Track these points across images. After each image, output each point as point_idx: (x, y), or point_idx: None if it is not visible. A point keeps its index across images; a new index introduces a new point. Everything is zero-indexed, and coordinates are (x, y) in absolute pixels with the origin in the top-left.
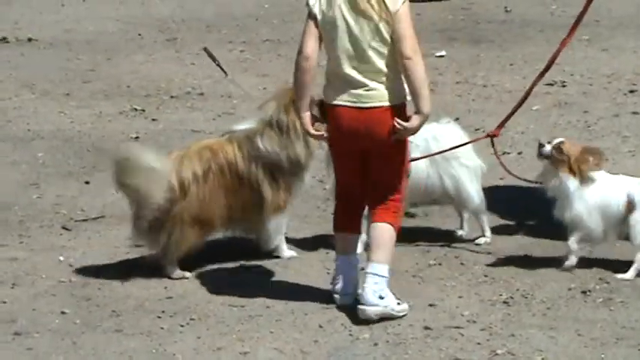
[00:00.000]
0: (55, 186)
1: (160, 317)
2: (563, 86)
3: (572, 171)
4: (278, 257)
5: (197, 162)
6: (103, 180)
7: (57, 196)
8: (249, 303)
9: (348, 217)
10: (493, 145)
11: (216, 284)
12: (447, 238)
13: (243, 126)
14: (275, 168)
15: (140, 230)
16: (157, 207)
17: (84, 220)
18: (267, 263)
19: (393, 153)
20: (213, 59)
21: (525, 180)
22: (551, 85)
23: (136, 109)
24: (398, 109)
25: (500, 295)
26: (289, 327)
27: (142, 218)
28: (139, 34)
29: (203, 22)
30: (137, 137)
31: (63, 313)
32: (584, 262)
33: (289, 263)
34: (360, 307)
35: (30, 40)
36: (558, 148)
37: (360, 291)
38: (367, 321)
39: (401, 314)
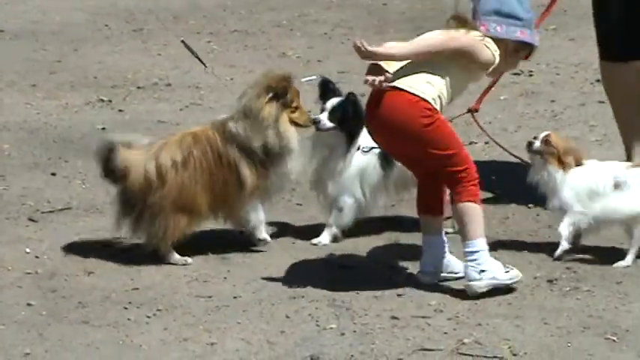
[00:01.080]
0: (21, 177)
1: (126, 308)
2: (530, 75)
3: (560, 162)
4: (250, 251)
5: (177, 149)
6: (69, 171)
7: (23, 188)
8: (216, 293)
9: (427, 200)
10: (475, 119)
11: (182, 275)
12: (415, 227)
13: (225, 115)
14: (250, 152)
15: (124, 220)
16: (135, 195)
17: (50, 212)
18: (234, 254)
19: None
20: (192, 51)
21: (511, 154)
22: (518, 74)
23: (102, 100)
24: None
25: None
26: (256, 317)
27: (124, 207)
28: (106, 25)
29: (170, 13)
30: (104, 128)
31: (29, 304)
32: (550, 251)
33: (256, 254)
34: (467, 284)
35: None
36: (547, 141)
37: (465, 269)
38: (475, 295)
39: (510, 282)
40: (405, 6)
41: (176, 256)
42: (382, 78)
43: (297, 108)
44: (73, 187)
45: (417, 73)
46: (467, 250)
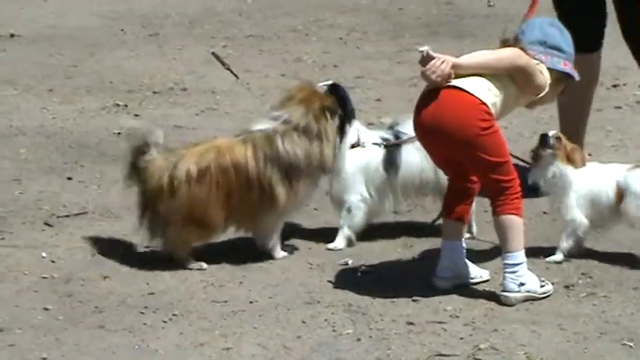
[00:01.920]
0: (38, 182)
1: (142, 313)
2: None
3: (569, 161)
4: (266, 256)
5: (194, 162)
6: (85, 176)
7: (39, 192)
8: (231, 298)
9: (454, 205)
10: None
11: (199, 280)
12: (430, 232)
13: (259, 126)
14: (291, 170)
15: (142, 221)
16: (150, 201)
17: (66, 216)
18: (250, 259)
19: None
20: (223, 63)
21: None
22: None
23: (118, 105)
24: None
25: (483, 290)
26: (272, 323)
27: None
28: (122, 30)
29: (186, 18)
30: (119, 133)
31: (45, 309)
32: (567, 257)
33: (272, 259)
34: (503, 294)
35: (12, 35)
36: (558, 138)
37: (502, 279)
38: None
39: (544, 296)
40: (420, 11)
41: (193, 263)
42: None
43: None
44: (89, 192)
45: (477, 78)
46: (507, 262)
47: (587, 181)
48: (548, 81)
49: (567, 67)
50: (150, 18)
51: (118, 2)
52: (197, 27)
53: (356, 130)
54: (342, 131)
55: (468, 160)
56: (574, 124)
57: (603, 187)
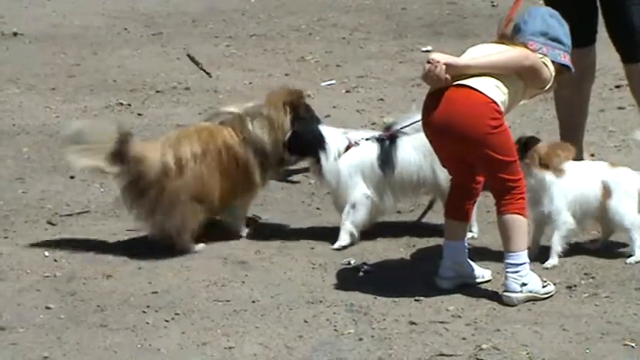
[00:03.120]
0: (40, 181)
1: (144, 312)
2: None
3: (544, 165)
4: (268, 256)
5: (196, 142)
6: (87, 175)
7: (42, 191)
8: (234, 298)
9: (457, 205)
10: None
11: (201, 279)
12: (432, 232)
13: (228, 109)
14: (260, 155)
15: (139, 213)
16: (150, 185)
17: (69, 215)
18: (252, 258)
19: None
20: (196, 63)
21: None
22: None
23: (121, 104)
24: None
25: (485, 290)
26: (274, 322)
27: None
28: (125, 29)
29: (189, 17)
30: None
31: (47, 308)
32: (570, 257)
33: (275, 258)
34: (505, 294)
35: (15, 34)
36: (526, 144)
37: (504, 279)
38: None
39: (546, 296)
40: (423, 11)
41: (195, 246)
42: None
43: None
44: (92, 191)
45: (485, 76)
46: (509, 261)
47: (572, 182)
48: (553, 73)
49: (566, 59)
50: (153, 17)
51: (122, 1)
52: (200, 26)
53: (341, 133)
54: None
55: (477, 159)
56: (573, 122)
57: (590, 186)
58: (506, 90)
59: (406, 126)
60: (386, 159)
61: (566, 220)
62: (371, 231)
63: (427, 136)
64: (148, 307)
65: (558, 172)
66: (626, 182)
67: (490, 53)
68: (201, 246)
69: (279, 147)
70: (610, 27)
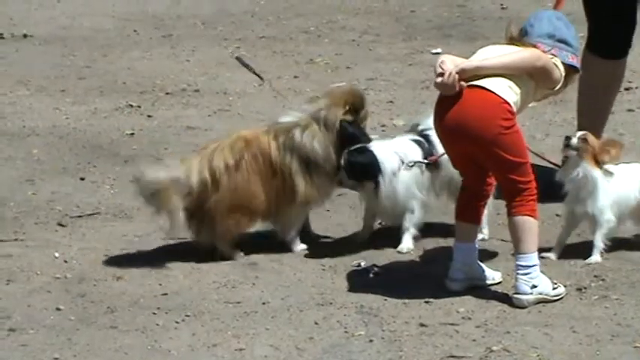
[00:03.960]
0: (50, 182)
1: (155, 314)
2: None
3: (596, 162)
4: (278, 257)
5: (229, 153)
6: (98, 176)
7: (52, 193)
8: (244, 299)
9: (468, 207)
10: None
11: (211, 281)
12: (442, 233)
13: (287, 118)
14: (310, 163)
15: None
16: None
17: (79, 217)
18: (262, 259)
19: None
20: (247, 67)
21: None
22: None
23: (131, 106)
24: None
25: (496, 291)
26: (285, 324)
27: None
28: (135, 31)
29: (199, 19)
30: (132, 134)
31: (58, 309)
32: (579, 259)
33: (285, 260)
34: (515, 296)
35: (25, 36)
36: (584, 139)
37: (514, 281)
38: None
39: (557, 298)
40: (432, 13)
41: (237, 253)
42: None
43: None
44: (102, 192)
45: (498, 77)
46: (520, 263)
47: (613, 182)
48: (563, 74)
49: (574, 60)
50: (163, 19)
51: (132, 3)
52: (210, 28)
53: (393, 152)
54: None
55: (488, 159)
56: (592, 128)
57: (630, 187)
58: (518, 90)
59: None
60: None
61: (610, 218)
62: (381, 233)
63: (439, 137)
64: (159, 308)
65: (607, 172)
66: None
67: (501, 54)
68: (241, 254)
69: (333, 154)
70: None
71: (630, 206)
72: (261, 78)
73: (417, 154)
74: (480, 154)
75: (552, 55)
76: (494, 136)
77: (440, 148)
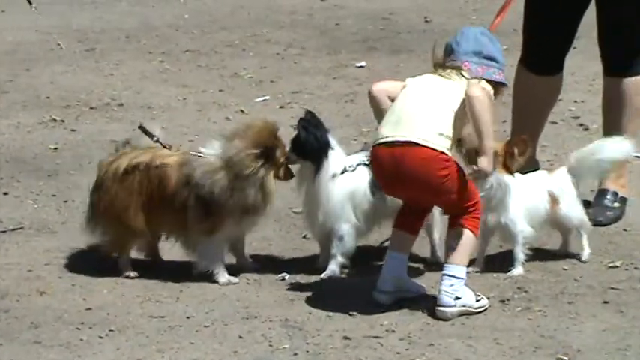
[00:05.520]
0: None
1: (79, 329)
2: None
3: (506, 168)
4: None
5: (126, 160)
6: (21, 191)
7: None
8: (168, 313)
9: (408, 217)
10: None
11: (135, 295)
12: (372, 251)
13: (207, 150)
14: (209, 204)
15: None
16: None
17: (2, 232)
18: (187, 275)
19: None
20: (151, 136)
21: None
22: None
23: (55, 120)
24: None
25: (419, 304)
26: (209, 337)
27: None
28: (59, 44)
29: (123, 33)
30: (56, 148)
31: None
32: (502, 271)
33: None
34: (438, 308)
35: None
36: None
37: (437, 293)
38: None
39: (480, 310)
40: (357, 27)
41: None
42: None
43: (282, 164)
44: (25, 207)
45: (430, 124)
46: (447, 272)
47: (523, 192)
48: (492, 93)
49: (501, 76)
50: (87, 33)
51: (55, 17)
52: (134, 42)
53: (337, 157)
54: (317, 165)
55: (433, 202)
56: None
57: (538, 196)
58: (451, 133)
59: None
60: (377, 184)
61: (524, 229)
62: (306, 246)
63: (380, 186)
64: (82, 323)
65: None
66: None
67: (481, 120)
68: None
69: (249, 198)
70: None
71: (541, 215)
72: (163, 145)
73: (364, 173)
74: (425, 200)
75: (479, 77)
76: (436, 187)
77: None
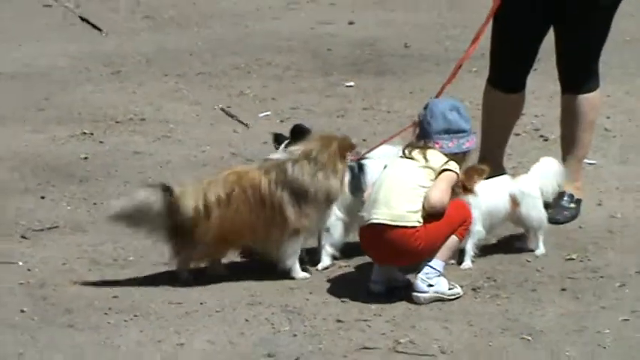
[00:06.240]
0: (15, 200)
1: (107, 314)
2: None
3: (465, 189)
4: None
5: (221, 186)
6: (56, 195)
7: (16, 209)
8: (185, 300)
9: None
10: None
11: (157, 285)
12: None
13: (277, 156)
14: (301, 195)
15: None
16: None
17: (40, 230)
18: (198, 267)
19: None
20: (231, 116)
21: None
22: None
23: (85, 133)
24: None
25: (403, 293)
26: (220, 321)
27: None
28: (87, 68)
29: (143, 57)
30: (86, 157)
31: (22, 311)
32: (475, 264)
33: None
34: (413, 293)
35: None
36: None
37: (414, 280)
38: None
39: (453, 297)
40: (346, 52)
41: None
42: None
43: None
44: (60, 209)
45: (400, 204)
46: (428, 263)
47: (484, 198)
48: (458, 169)
49: (471, 143)
50: (112, 57)
51: (84, 44)
52: (153, 65)
53: None
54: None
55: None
56: (492, 156)
57: (500, 199)
58: (420, 204)
59: (368, 151)
60: (356, 183)
61: (479, 230)
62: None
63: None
64: (110, 309)
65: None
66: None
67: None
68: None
69: (323, 186)
70: (562, 53)
71: (501, 217)
72: (246, 125)
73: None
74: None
75: (447, 151)
76: (417, 254)
77: (371, 178)
